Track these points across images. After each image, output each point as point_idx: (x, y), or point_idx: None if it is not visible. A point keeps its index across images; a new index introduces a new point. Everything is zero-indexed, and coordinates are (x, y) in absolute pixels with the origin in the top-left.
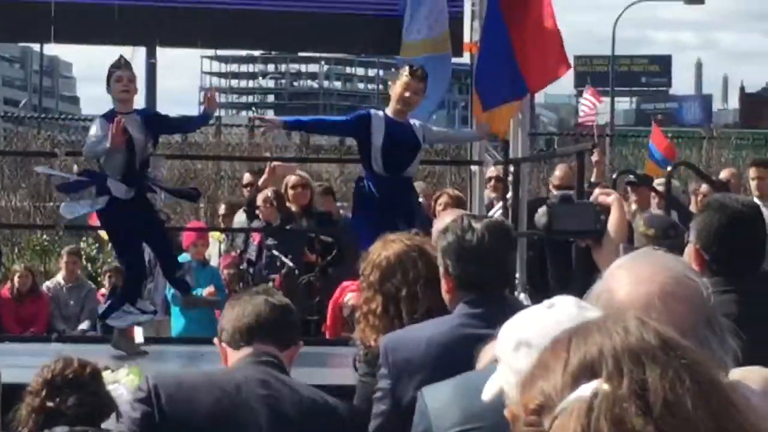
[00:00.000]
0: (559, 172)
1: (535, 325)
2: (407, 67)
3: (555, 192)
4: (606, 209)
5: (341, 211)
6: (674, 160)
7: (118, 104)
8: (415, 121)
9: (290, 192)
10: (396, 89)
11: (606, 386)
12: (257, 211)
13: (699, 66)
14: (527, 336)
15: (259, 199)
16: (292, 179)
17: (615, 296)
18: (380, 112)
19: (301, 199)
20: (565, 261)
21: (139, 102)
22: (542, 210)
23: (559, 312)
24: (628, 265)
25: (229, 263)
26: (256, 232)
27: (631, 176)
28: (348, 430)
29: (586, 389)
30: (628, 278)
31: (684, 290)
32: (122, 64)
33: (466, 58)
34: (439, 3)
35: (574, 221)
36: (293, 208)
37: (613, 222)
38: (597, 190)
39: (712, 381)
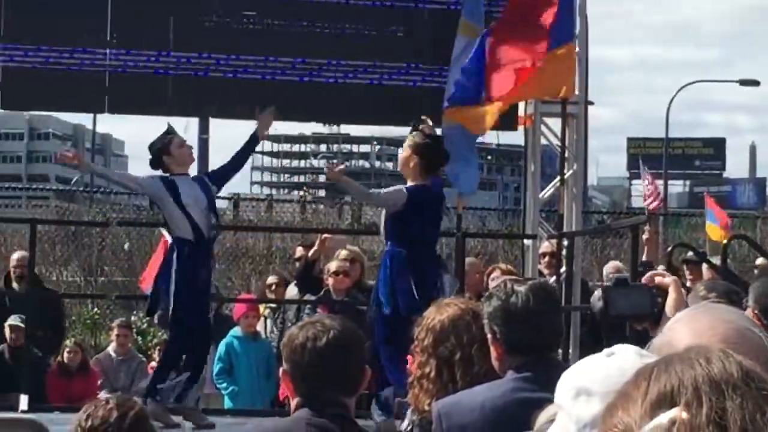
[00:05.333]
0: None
1: (595, 373)
2: None
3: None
4: (663, 291)
5: None
6: (729, 232)
7: (180, 167)
8: None
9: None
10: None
11: (684, 414)
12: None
13: (753, 149)
14: (587, 384)
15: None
16: (342, 253)
17: (676, 349)
18: None
19: (352, 273)
20: (622, 339)
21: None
22: (597, 293)
23: (620, 359)
24: (687, 318)
25: None
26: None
27: (690, 253)
28: None
29: (664, 417)
30: (688, 331)
31: (746, 342)
32: (175, 131)
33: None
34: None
35: (630, 304)
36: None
37: (671, 304)
38: (651, 273)
39: None
